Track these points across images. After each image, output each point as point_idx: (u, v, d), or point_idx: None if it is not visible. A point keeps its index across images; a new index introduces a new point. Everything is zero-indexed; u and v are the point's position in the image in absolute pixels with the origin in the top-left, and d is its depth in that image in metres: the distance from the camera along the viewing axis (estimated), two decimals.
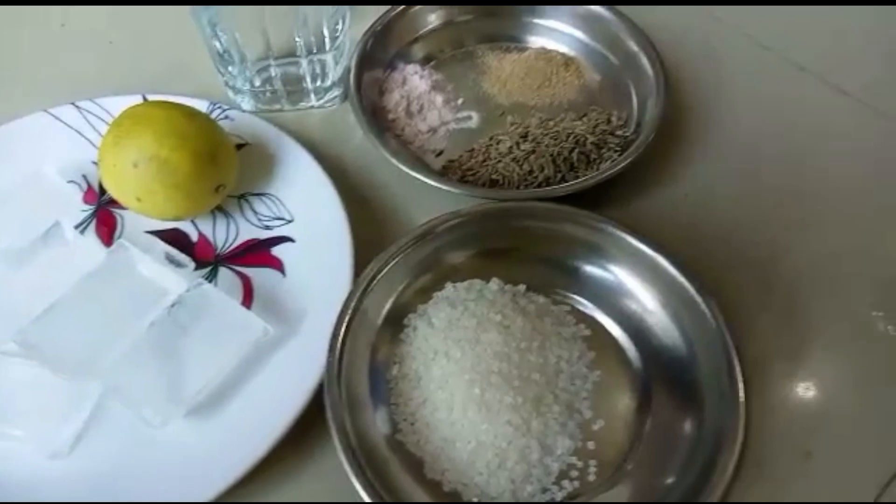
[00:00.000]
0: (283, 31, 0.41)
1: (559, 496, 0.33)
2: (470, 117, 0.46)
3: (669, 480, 0.32)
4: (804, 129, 0.46)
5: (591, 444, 0.34)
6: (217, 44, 0.42)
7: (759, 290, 0.39)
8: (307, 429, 0.33)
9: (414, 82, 0.46)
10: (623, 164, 0.40)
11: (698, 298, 0.33)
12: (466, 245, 0.38)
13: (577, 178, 0.42)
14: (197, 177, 0.36)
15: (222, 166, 0.38)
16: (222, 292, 0.37)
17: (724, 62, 0.50)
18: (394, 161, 0.40)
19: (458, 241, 0.38)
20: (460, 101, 0.47)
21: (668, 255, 0.35)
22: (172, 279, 0.37)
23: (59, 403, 0.34)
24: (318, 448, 0.34)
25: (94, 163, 0.42)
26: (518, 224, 0.38)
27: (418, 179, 0.39)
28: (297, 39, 0.42)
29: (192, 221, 0.40)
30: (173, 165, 0.35)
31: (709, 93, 0.48)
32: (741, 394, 0.31)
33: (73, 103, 0.43)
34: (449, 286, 0.38)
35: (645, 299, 0.36)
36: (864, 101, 0.47)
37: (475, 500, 0.32)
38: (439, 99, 0.46)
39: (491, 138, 0.44)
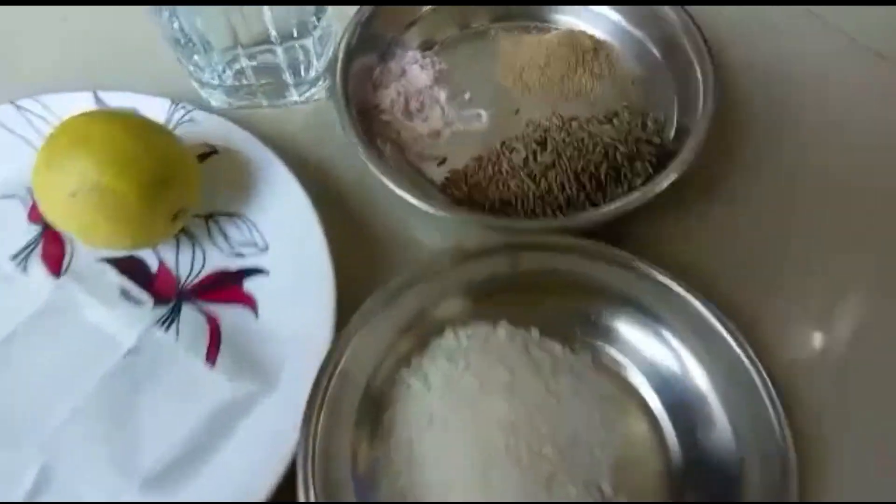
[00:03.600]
0: (252, 12, 0.34)
1: None
2: (479, 115, 0.39)
3: None
4: (885, 139, 0.39)
5: None
6: (175, 28, 0.35)
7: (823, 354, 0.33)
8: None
9: (413, 74, 0.39)
10: (662, 187, 0.33)
11: (757, 380, 0.28)
12: (471, 284, 0.32)
13: (605, 196, 0.35)
14: (148, 206, 0.30)
15: (180, 190, 0.32)
16: (185, 341, 0.32)
17: (788, 53, 0.42)
18: (385, 181, 0.33)
19: (460, 280, 0.32)
20: (467, 95, 0.40)
21: (715, 310, 0.29)
22: (127, 322, 0.32)
23: None
24: None
25: None
26: (532, 260, 0.32)
27: (412, 204, 0.33)
28: (267, 23, 0.35)
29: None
30: (118, 195, 0.29)
31: (769, 90, 0.40)
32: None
33: (12, 102, 0.37)
34: (449, 333, 0.32)
35: (685, 357, 0.31)
36: None
37: None
38: (443, 94, 0.39)
39: (503, 144, 0.37)
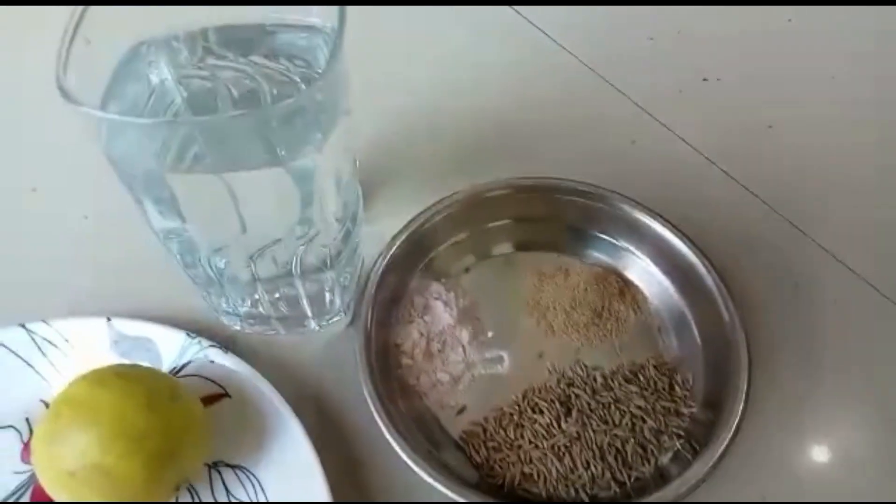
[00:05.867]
0: (277, 251, 0.33)
1: None
2: (501, 358, 0.38)
3: None
4: None
5: None
6: (195, 269, 0.34)
7: None
8: None
9: (437, 312, 0.38)
10: (697, 478, 0.31)
11: None
12: None
13: (631, 475, 0.33)
14: (152, 483, 0.29)
15: (187, 460, 0.30)
16: None
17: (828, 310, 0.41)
18: (401, 454, 0.32)
19: None
20: (490, 334, 0.39)
21: None
22: None
23: None
24: None
25: (44, 401, 0.35)
26: None
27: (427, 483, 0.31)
28: (290, 262, 0.34)
29: None
30: (121, 476, 0.28)
31: (804, 355, 0.39)
32: None
33: (22, 324, 0.36)
34: None
35: None
36: None
37: None
38: (466, 335, 0.38)
39: (524, 396, 0.36)
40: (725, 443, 0.32)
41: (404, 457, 0.32)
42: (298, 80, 0.32)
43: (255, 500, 0.32)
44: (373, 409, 0.33)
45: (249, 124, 0.26)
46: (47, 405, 0.34)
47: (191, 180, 0.28)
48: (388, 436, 0.32)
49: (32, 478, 0.33)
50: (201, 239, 0.31)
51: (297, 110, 0.27)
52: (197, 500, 0.33)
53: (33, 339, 0.36)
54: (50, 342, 0.36)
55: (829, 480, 0.35)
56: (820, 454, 0.36)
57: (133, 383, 0.30)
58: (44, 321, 0.36)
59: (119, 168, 0.27)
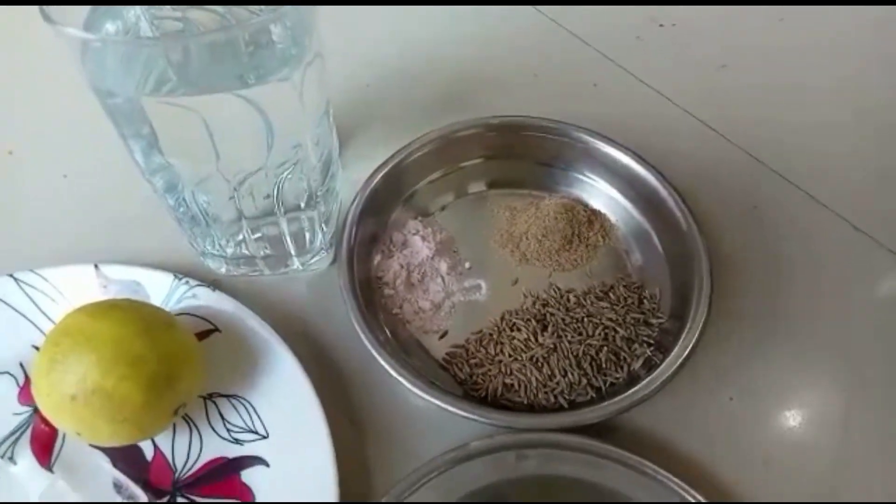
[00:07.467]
0: (260, 188, 0.35)
1: None
2: (478, 287, 0.40)
3: None
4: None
5: None
6: (179, 207, 0.36)
7: None
8: None
9: (416, 245, 0.40)
10: (667, 376, 0.34)
11: None
12: (476, 482, 0.32)
13: (606, 380, 0.36)
14: (150, 406, 0.30)
15: (183, 385, 0.31)
16: None
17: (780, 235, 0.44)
18: (388, 369, 0.33)
19: (466, 479, 0.32)
20: (467, 265, 0.41)
21: None
22: None
23: None
24: None
25: (35, 347, 0.36)
26: (539, 458, 0.32)
27: (413, 392, 0.33)
28: (271, 195, 0.35)
29: None
30: (121, 398, 0.29)
31: (763, 271, 0.42)
32: None
33: (11, 274, 0.37)
34: None
35: None
36: None
37: None
38: (444, 265, 0.40)
39: (503, 318, 0.38)
40: (690, 346, 0.35)
41: (395, 375, 0.33)
42: None
43: (251, 426, 0.34)
44: (360, 333, 0.34)
45: (220, 44, 0.27)
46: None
47: (167, 113, 0.29)
48: (379, 358, 0.34)
49: (31, 418, 0.34)
50: (183, 172, 0.32)
51: (266, 39, 0.28)
52: (194, 431, 0.34)
53: (22, 289, 0.36)
54: (39, 290, 0.36)
55: (786, 382, 0.38)
56: (777, 357, 0.39)
57: (129, 312, 0.31)
58: (32, 271, 0.37)
59: (103, 99, 0.28)
